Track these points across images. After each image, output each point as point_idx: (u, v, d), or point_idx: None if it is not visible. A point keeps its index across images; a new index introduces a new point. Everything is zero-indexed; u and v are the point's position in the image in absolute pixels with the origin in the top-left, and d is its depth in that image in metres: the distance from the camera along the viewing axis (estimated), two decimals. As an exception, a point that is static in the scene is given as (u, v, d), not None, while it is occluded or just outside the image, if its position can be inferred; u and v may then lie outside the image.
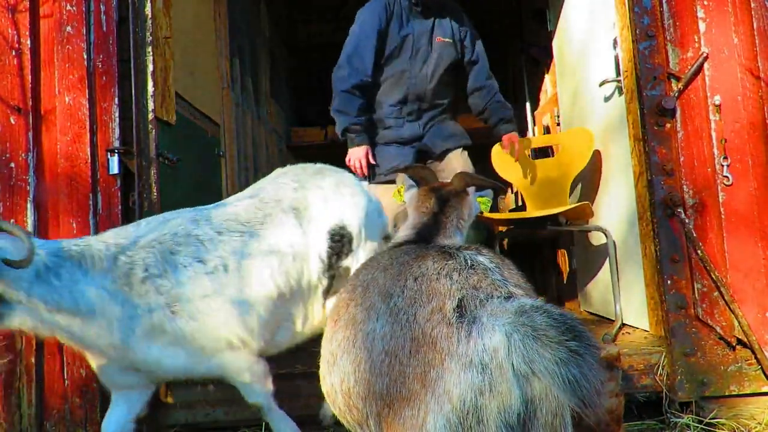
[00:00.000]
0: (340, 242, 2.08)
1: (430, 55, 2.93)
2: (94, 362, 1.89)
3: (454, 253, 1.40)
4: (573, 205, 2.87)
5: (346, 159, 2.83)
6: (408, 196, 2.01)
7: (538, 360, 1.12)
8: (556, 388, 1.11)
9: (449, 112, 3.12)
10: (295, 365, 2.60)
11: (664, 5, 2.28)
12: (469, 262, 1.36)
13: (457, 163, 2.95)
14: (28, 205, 2.34)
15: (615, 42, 2.83)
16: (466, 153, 3.06)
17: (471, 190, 1.98)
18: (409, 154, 2.92)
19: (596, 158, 3.13)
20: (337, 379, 1.42)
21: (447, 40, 2.96)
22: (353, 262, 2.10)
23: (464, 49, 3.03)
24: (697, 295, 2.20)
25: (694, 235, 2.19)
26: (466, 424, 1.16)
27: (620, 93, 2.86)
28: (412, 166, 2.16)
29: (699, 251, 2.18)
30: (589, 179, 3.08)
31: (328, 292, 2.10)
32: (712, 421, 2.08)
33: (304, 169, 2.25)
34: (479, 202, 2.01)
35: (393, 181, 2.82)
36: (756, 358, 2.13)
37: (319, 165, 2.29)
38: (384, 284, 1.41)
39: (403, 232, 1.88)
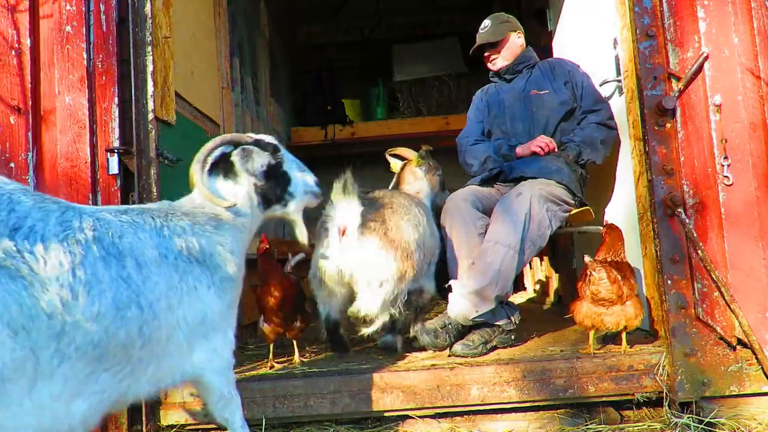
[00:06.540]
0: None
1: None
2: None
3: None
4: (574, 212, 2.88)
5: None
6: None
7: None
8: None
9: None
10: (293, 366, 2.61)
11: (664, 5, 2.28)
12: None
13: None
14: (28, 205, 2.34)
15: (615, 42, 2.83)
16: None
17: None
18: None
19: (596, 158, 3.12)
20: None
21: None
22: None
23: None
24: (697, 295, 2.20)
25: (695, 235, 2.19)
26: None
27: (620, 93, 2.86)
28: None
29: (699, 251, 2.18)
30: (590, 179, 3.07)
31: None
32: (712, 421, 2.08)
33: None
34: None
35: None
36: (756, 358, 2.13)
37: None
38: None
39: None
